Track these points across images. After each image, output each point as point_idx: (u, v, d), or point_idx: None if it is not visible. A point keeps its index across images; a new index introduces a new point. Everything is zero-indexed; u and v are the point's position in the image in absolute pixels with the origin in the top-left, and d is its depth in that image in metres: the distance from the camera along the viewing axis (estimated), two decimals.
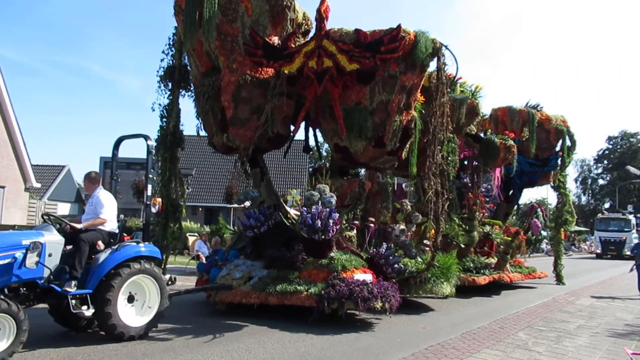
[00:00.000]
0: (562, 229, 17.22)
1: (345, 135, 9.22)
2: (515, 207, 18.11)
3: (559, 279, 16.26)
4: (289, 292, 7.97)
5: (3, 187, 24.09)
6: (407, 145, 9.94)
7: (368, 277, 8.40)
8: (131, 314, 6.52)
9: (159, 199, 6.75)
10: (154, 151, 6.97)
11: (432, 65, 9.47)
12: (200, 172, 35.92)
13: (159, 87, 10.24)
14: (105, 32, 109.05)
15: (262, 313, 8.24)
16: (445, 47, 9.34)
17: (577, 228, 53.41)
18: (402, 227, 10.20)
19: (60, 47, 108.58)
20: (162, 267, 9.94)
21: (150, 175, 6.89)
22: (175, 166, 10.28)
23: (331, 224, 7.96)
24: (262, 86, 9.23)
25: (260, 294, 8.09)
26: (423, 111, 10.10)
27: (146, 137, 6.99)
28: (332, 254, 8.61)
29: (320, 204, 8.07)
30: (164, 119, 10.20)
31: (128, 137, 7.34)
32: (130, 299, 6.56)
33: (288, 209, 9.30)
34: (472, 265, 12.66)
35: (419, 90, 9.72)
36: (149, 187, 6.89)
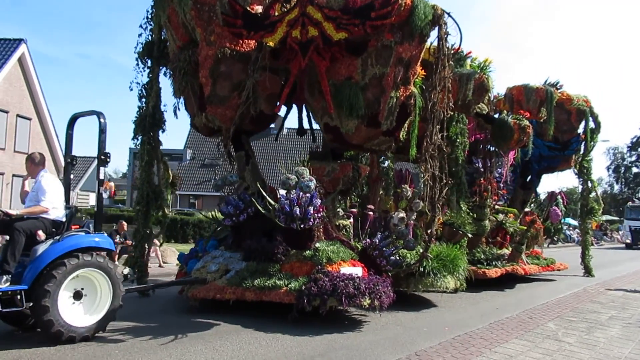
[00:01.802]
0: (589, 218, 16.02)
1: (335, 113, 8.33)
2: (534, 194, 16.90)
3: (588, 271, 15.09)
4: (267, 287, 7.15)
5: None
6: (406, 125, 9.00)
7: (357, 270, 7.54)
8: (78, 313, 5.78)
9: (111, 184, 6.10)
10: (106, 129, 6.17)
11: (434, 36, 8.52)
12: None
13: (137, 64, 9.48)
14: (128, 22, 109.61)
15: (241, 310, 7.47)
16: (448, 14, 8.34)
17: (609, 217, 51.55)
18: (402, 214, 9.25)
19: (86, 38, 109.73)
20: (145, 257, 9.31)
21: (102, 157, 6.11)
22: (157, 149, 9.52)
23: (311, 212, 7.09)
24: (243, 60, 8.39)
25: (237, 289, 7.28)
26: (424, 87, 9.13)
27: (99, 114, 6.24)
28: (317, 245, 7.77)
29: (298, 189, 7.20)
30: (143, 99, 9.44)
31: (82, 114, 6.61)
32: (78, 296, 5.82)
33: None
34: (482, 256, 11.67)
35: (418, 64, 8.74)
36: (102, 170, 6.13)
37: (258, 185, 7.95)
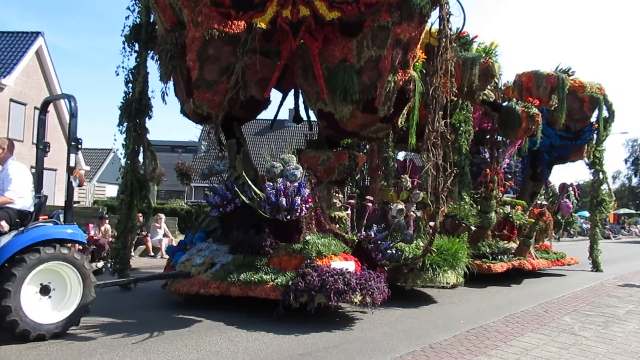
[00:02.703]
0: (599, 211, 15.38)
1: (328, 98, 7.86)
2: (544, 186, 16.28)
3: (596, 266, 14.50)
4: (254, 282, 6.74)
5: (55, 170, 24.54)
6: (405, 112, 8.51)
7: (349, 265, 7.10)
8: (46, 309, 5.42)
9: (82, 171, 5.64)
10: (77, 113, 5.77)
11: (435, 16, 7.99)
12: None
13: (124, 48, 9.06)
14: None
15: (229, 305, 7.08)
16: None
17: (627, 210, 50.37)
18: (400, 206, 8.79)
19: (103, 32, 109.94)
20: (129, 250, 8.96)
21: (73, 143, 5.72)
22: (143, 137, 9.13)
23: (298, 202, 6.64)
24: (232, 43, 7.95)
25: (221, 284, 6.88)
26: (425, 71, 8.62)
27: (69, 98, 5.84)
28: (308, 238, 7.34)
29: (284, 177, 6.77)
30: (129, 84, 9.04)
31: (53, 98, 6.24)
32: (46, 291, 5.46)
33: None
34: (488, 250, 11.15)
35: (418, 46, 8.23)
36: (72, 157, 5.74)
37: (244, 174, 7.51)
